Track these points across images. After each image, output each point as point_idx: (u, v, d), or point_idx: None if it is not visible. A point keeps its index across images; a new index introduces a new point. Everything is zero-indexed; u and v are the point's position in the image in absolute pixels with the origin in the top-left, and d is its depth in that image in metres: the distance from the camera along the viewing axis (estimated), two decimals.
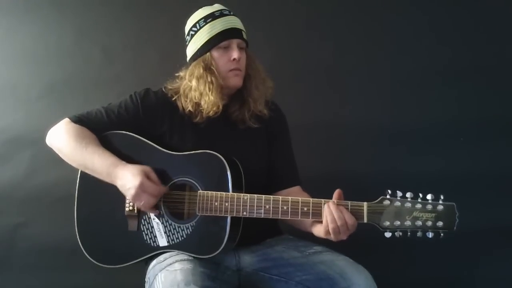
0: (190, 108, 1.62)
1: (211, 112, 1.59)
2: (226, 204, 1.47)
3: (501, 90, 2.26)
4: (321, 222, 1.41)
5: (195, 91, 1.60)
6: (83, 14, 2.35)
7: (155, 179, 1.50)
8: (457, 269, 2.23)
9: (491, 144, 2.24)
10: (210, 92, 1.58)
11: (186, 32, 1.69)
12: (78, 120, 1.61)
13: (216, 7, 1.66)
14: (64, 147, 1.59)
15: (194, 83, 1.60)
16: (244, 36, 1.65)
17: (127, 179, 1.47)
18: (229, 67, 1.61)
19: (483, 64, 2.25)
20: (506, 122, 2.24)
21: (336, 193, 1.41)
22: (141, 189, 1.45)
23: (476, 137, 2.24)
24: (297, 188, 1.71)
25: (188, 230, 1.52)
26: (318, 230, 1.44)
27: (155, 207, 1.53)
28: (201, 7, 1.67)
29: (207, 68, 1.60)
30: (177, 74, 1.69)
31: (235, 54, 1.59)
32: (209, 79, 1.59)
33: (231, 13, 1.65)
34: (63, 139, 1.58)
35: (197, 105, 1.61)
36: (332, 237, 1.39)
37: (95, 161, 1.53)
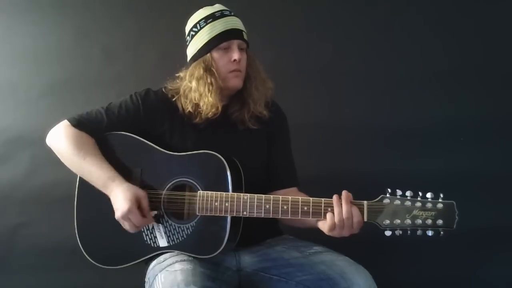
0: (189, 108, 1.62)
1: (210, 114, 1.59)
2: (226, 204, 1.47)
3: (501, 90, 2.26)
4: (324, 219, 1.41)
5: (195, 92, 1.60)
6: (83, 14, 2.35)
7: (145, 207, 1.50)
8: (457, 269, 2.23)
9: (491, 144, 2.24)
10: (210, 93, 1.58)
11: (187, 32, 1.69)
12: (78, 123, 1.61)
13: (217, 7, 1.66)
14: (62, 153, 1.60)
15: (194, 84, 1.60)
16: (245, 36, 1.65)
17: (118, 199, 1.48)
18: (230, 68, 1.60)
19: (483, 64, 2.25)
20: (505, 122, 2.24)
21: (344, 193, 1.40)
22: (127, 215, 1.46)
23: (475, 137, 2.24)
24: (294, 189, 1.70)
25: (188, 230, 1.52)
26: (323, 224, 1.43)
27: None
28: (201, 8, 1.67)
29: (207, 69, 1.59)
30: (177, 75, 1.69)
31: (235, 55, 1.59)
32: (209, 80, 1.58)
33: (232, 14, 1.65)
34: (62, 145, 1.59)
35: (197, 106, 1.61)
36: (336, 231, 1.39)
37: (92, 172, 1.54)
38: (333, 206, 1.39)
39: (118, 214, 1.47)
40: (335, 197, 1.39)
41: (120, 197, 1.47)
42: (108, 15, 2.35)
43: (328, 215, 1.39)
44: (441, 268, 2.22)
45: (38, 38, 2.35)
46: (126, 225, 1.50)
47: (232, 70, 1.60)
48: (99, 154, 1.58)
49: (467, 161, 2.23)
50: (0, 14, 2.35)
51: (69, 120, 1.62)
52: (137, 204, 1.48)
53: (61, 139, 1.59)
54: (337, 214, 1.37)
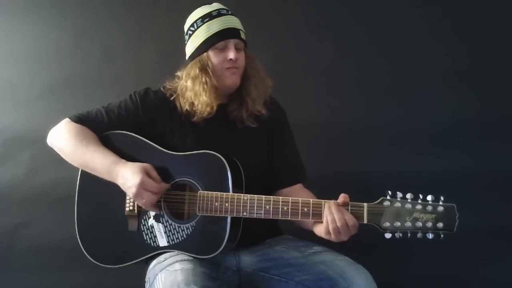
0: (187, 107, 1.62)
1: (205, 113, 1.60)
2: (227, 204, 1.47)
3: (501, 90, 2.25)
4: (322, 222, 1.41)
5: (191, 91, 1.60)
6: (83, 14, 2.35)
7: (156, 177, 1.51)
8: (457, 269, 2.23)
9: (491, 144, 2.23)
10: (204, 92, 1.58)
11: (185, 31, 1.69)
12: (79, 119, 1.62)
13: (214, 6, 1.66)
14: (65, 147, 1.59)
15: (189, 83, 1.61)
16: (242, 36, 1.64)
17: (128, 177, 1.48)
18: (226, 66, 1.60)
19: (484, 64, 2.25)
20: (506, 122, 2.24)
21: (341, 197, 1.41)
22: (142, 187, 1.46)
23: (476, 137, 2.24)
24: (298, 186, 1.70)
25: (188, 230, 1.52)
26: (319, 230, 1.45)
27: (157, 206, 1.53)
28: (200, 7, 1.66)
29: (203, 69, 1.60)
30: (176, 74, 1.69)
31: (231, 54, 1.59)
32: (203, 80, 1.59)
33: (229, 13, 1.65)
34: (64, 139, 1.59)
35: (192, 105, 1.62)
36: (332, 237, 1.40)
37: (95, 159, 1.54)
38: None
39: (132, 190, 1.47)
40: (326, 205, 1.40)
41: (129, 174, 1.48)
42: (108, 15, 2.35)
43: (324, 221, 1.40)
44: (441, 268, 2.22)
45: (38, 38, 2.35)
46: (143, 199, 1.48)
47: (228, 67, 1.60)
48: (101, 144, 1.58)
49: (468, 161, 2.22)
50: (0, 14, 2.35)
51: (69, 117, 1.63)
52: (146, 175, 1.48)
53: (62, 134, 1.59)
54: (330, 222, 1.38)
